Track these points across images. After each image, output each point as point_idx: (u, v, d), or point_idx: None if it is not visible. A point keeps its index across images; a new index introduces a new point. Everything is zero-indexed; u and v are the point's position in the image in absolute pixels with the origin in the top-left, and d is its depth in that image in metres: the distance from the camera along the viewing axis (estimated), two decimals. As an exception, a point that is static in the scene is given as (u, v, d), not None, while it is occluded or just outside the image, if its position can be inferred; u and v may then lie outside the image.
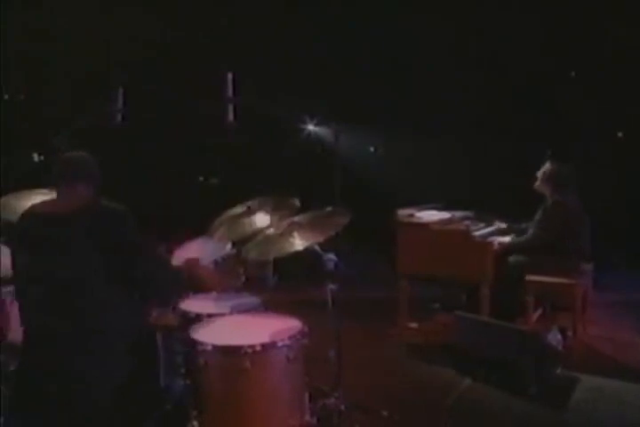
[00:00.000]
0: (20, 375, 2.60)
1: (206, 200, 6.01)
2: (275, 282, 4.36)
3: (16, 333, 3.19)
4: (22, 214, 2.55)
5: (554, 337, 3.99)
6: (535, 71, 6.32)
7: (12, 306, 3.31)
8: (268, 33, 6.55)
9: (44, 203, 2.57)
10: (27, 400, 2.47)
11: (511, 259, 4.40)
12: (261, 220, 3.39)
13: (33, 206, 2.55)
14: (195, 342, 2.68)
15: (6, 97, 7.18)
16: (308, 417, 2.81)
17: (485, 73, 6.46)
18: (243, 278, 3.52)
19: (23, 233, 2.50)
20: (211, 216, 3.41)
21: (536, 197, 4.51)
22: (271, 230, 3.08)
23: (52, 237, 2.39)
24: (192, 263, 2.91)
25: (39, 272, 2.40)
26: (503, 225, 4.74)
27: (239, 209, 3.42)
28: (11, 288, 3.31)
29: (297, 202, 3.34)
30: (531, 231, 4.38)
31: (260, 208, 3.40)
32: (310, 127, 7.24)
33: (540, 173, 4.47)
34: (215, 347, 2.62)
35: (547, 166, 4.46)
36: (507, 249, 4.39)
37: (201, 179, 7.93)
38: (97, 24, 6.28)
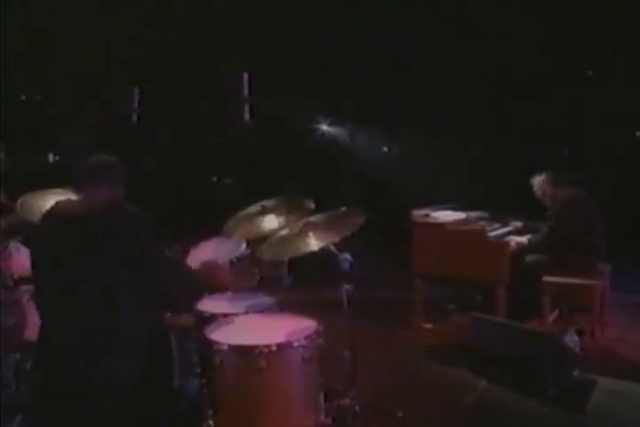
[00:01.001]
0: (36, 375, 2.63)
1: (220, 200, 6.05)
2: (289, 282, 4.35)
3: (32, 331, 3.23)
4: (44, 214, 2.55)
5: (571, 339, 3.95)
6: (550, 70, 6.27)
7: (29, 305, 3.35)
8: (278, 33, 6.56)
9: (66, 203, 2.57)
10: (43, 399, 2.49)
11: (528, 258, 4.37)
12: (275, 220, 3.39)
13: (55, 206, 2.55)
14: (210, 342, 2.68)
15: (23, 98, 7.26)
16: (322, 417, 2.81)
17: (503, 72, 6.43)
18: (257, 278, 3.53)
19: (44, 232, 2.51)
20: (224, 216, 3.42)
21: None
22: (286, 230, 3.07)
23: (71, 238, 2.39)
24: (209, 266, 2.90)
25: (58, 272, 2.41)
26: (519, 224, 4.71)
27: (253, 209, 3.43)
28: (28, 287, 3.36)
29: (311, 203, 3.33)
30: (545, 227, 4.36)
31: (274, 208, 3.40)
32: (324, 127, 7.25)
33: (535, 185, 4.54)
34: (231, 347, 2.62)
35: (536, 178, 4.55)
36: (523, 249, 4.36)
37: (214, 179, 7.96)
38: (110, 24, 6.33)
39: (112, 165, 2.58)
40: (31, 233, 2.72)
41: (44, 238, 2.51)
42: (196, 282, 2.74)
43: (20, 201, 3.39)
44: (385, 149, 7.83)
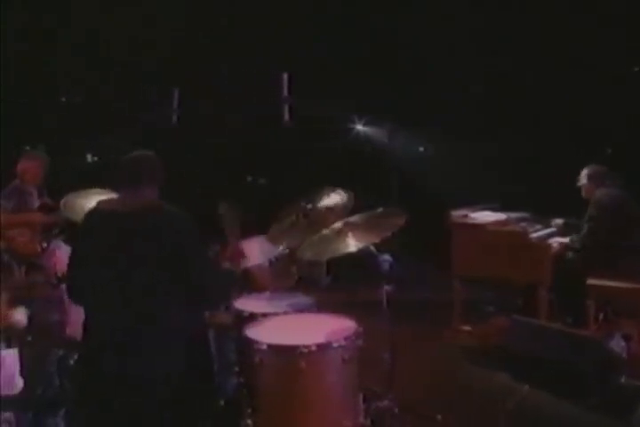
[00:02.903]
0: (79, 370, 2.67)
1: (254, 200, 6.07)
2: (327, 282, 4.35)
3: (74, 328, 3.29)
4: (87, 213, 2.59)
5: (617, 344, 3.84)
6: (594, 66, 6.11)
7: (71, 302, 3.41)
8: (315, 32, 6.56)
9: (107, 202, 2.60)
10: (86, 395, 2.53)
11: (570, 260, 4.27)
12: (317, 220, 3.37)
13: (97, 205, 2.58)
14: (250, 341, 2.68)
15: (63, 99, 7.41)
16: (361, 419, 2.79)
17: (542, 70, 6.29)
18: (295, 278, 3.53)
19: (86, 231, 2.55)
20: (259, 216, 3.41)
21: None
22: (326, 231, 3.06)
23: (113, 236, 2.42)
24: (237, 256, 2.88)
25: (100, 270, 2.44)
26: (560, 221, 4.60)
27: (294, 215, 3.41)
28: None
29: (351, 199, 3.30)
30: (585, 227, 4.26)
31: (315, 208, 3.39)
32: (359, 127, 7.22)
33: (581, 177, 4.46)
34: (270, 346, 2.62)
35: (585, 170, 4.46)
36: (566, 250, 4.26)
37: (249, 179, 7.97)
38: (149, 24, 6.43)
39: (151, 162, 2.59)
40: (74, 232, 2.76)
41: (86, 237, 2.55)
42: (232, 281, 2.75)
43: (63, 201, 3.46)
44: (421, 148, 7.76)
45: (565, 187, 4.61)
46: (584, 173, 4.47)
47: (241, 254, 2.92)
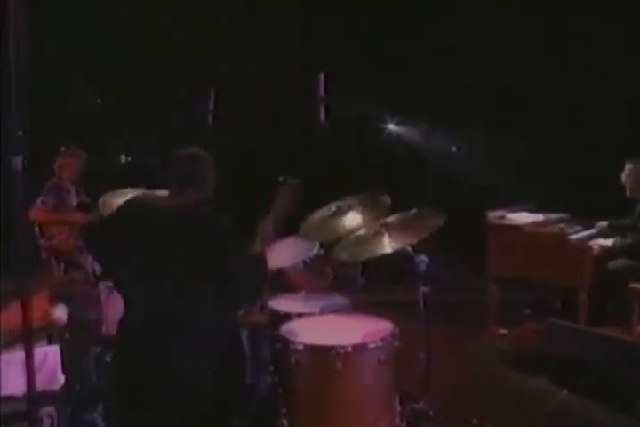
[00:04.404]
0: (116, 367, 2.70)
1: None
2: (362, 282, 4.32)
3: (110, 325, 3.34)
4: (125, 203, 2.60)
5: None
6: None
7: (107, 300, 3.46)
8: (350, 31, 6.54)
9: (150, 198, 2.62)
10: (123, 391, 2.55)
11: (613, 263, 4.15)
12: (352, 220, 3.34)
13: (138, 200, 2.61)
14: (286, 341, 2.68)
15: (99, 101, 7.53)
16: (397, 421, 2.76)
17: (577, 69, 6.16)
18: (330, 278, 3.51)
19: (125, 226, 2.57)
20: (290, 217, 3.39)
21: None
22: (363, 231, 3.03)
23: (152, 232, 2.44)
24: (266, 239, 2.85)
25: (138, 266, 2.46)
26: (604, 223, 4.47)
27: (328, 210, 3.39)
28: (107, 283, 3.47)
29: (387, 199, 3.26)
30: (630, 230, 4.14)
31: (349, 208, 3.36)
32: (391, 127, 7.17)
33: (625, 176, 4.28)
34: (306, 346, 2.61)
35: (628, 168, 4.29)
36: (609, 253, 4.15)
37: (280, 179, 7.97)
38: (187, 24, 6.48)
39: (200, 161, 2.56)
40: (109, 222, 2.73)
41: (124, 232, 2.54)
42: (264, 279, 2.74)
43: (101, 200, 3.51)
44: (454, 148, 7.67)
45: (608, 186, 4.49)
46: (628, 168, 4.27)
47: (271, 237, 2.86)
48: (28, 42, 1.80)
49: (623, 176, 4.30)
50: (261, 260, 2.65)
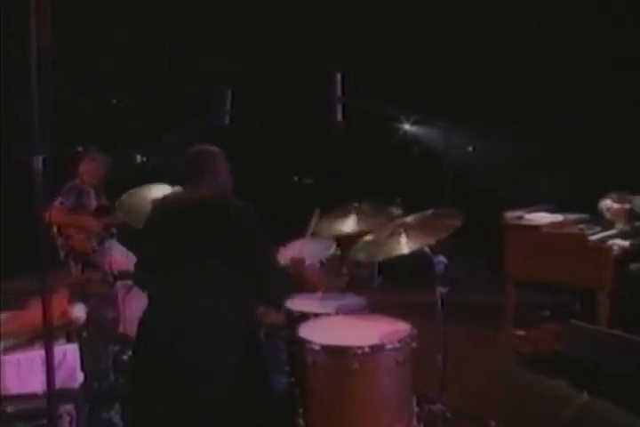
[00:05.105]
0: (134, 365, 2.71)
1: (300, 200, 6.07)
2: (379, 283, 4.31)
3: (128, 324, 3.36)
4: (154, 204, 2.66)
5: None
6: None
7: (125, 299, 3.48)
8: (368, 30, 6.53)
9: (173, 194, 2.66)
10: (140, 389, 2.56)
11: (635, 265, 4.10)
12: (365, 221, 3.35)
13: (164, 198, 2.65)
14: (303, 341, 2.67)
15: (115, 101, 7.59)
16: (414, 422, 2.74)
17: (596, 69, 6.10)
18: (347, 279, 3.50)
19: (152, 222, 2.60)
20: (305, 217, 3.40)
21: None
22: (381, 231, 3.02)
23: (181, 228, 2.47)
24: (298, 262, 2.91)
25: (164, 260, 2.48)
26: (626, 227, 4.42)
27: (344, 209, 3.40)
28: (125, 283, 3.49)
29: (399, 209, 3.28)
30: None
31: (363, 210, 3.37)
32: (406, 126, 7.14)
33: None
34: (323, 347, 2.60)
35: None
36: (629, 254, 4.09)
37: (295, 179, 7.98)
38: (199, 26, 6.51)
39: (209, 155, 2.62)
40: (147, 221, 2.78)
41: (151, 228, 2.59)
42: (289, 276, 2.76)
43: (118, 201, 3.54)
44: (469, 148, 7.63)
45: (627, 186, 4.44)
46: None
47: (301, 262, 2.93)
48: (50, 44, 1.82)
49: None
50: (290, 274, 2.73)
